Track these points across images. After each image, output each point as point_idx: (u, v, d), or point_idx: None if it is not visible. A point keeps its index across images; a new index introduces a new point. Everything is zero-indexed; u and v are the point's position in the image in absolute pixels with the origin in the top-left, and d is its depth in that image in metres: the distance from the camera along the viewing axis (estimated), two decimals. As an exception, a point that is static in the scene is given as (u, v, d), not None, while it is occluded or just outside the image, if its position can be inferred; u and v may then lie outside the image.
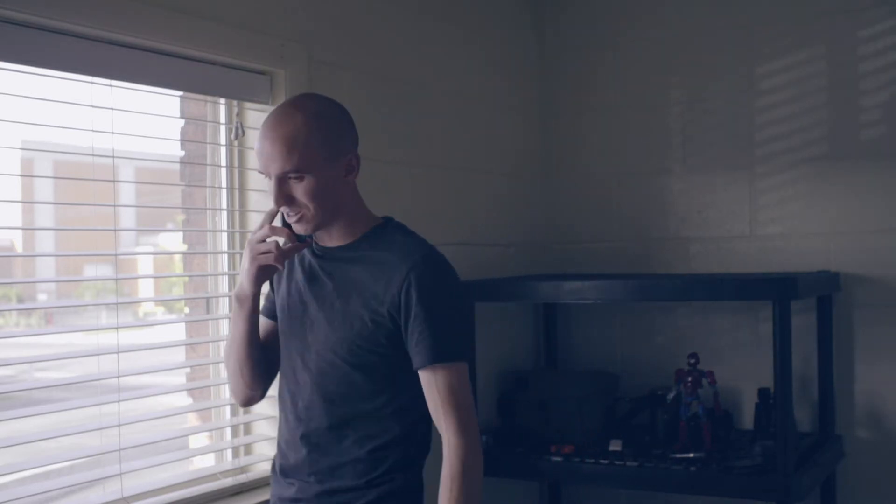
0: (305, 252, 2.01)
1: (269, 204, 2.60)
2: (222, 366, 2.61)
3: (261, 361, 2.04)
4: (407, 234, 2.01)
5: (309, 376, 1.95)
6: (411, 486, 1.99)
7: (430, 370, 1.87)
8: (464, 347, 1.92)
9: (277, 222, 1.96)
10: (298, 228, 1.92)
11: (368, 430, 1.92)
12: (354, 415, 1.92)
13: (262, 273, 1.93)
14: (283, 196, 1.87)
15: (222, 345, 2.62)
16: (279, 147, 1.84)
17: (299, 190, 1.87)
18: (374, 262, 1.93)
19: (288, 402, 2.00)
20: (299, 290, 1.99)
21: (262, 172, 1.90)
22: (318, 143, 1.87)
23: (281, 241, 1.93)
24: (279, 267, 1.92)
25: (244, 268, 1.94)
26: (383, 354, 1.90)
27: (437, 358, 1.86)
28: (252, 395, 2.09)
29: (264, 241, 1.92)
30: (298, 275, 2.01)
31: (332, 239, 1.98)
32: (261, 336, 2.05)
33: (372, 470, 1.92)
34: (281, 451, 2.04)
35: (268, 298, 2.09)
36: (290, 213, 1.90)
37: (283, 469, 2.02)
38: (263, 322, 2.07)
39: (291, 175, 1.85)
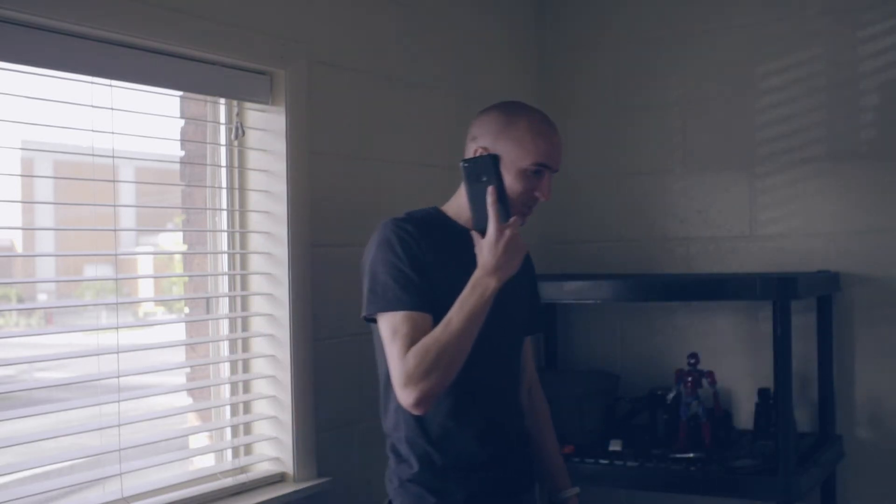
0: (455, 236, 2.09)
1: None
2: (222, 366, 2.61)
3: None
4: None
5: (499, 360, 2.13)
6: None
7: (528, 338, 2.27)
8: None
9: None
10: (521, 219, 2.03)
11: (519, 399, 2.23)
12: (518, 382, 2.24)
13: None
14: (550, 189, 2.06)
15: (222, 345, 2.63)
16: (560, 144, 2.07)
17: (549, 185, 2.06)
18: None
19: (477, 388, 2.06)
20: (466, 278, 1.95)
21: (541, 164, 2.03)
22: None
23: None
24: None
25: (519, 255, 1.95)
26: None
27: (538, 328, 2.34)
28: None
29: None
30: (456, 259, 2.00)
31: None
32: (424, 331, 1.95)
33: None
34: (463, 438, 2.05)
35: (419, 291, 1.97)
36: (533, 207, 2.07)
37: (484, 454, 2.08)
38: (427, 318, 1.96)
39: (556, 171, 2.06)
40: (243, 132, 2.61)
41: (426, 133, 3.21)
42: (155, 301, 2.77)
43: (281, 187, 2.60)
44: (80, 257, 2.46)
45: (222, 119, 2.62)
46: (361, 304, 2.03)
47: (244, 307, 2.66)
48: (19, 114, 2.10)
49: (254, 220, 2.65)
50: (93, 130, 2.22)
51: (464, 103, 3.42)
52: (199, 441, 2.67)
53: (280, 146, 2.60)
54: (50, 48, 2.09)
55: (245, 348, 2.66)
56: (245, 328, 2.67)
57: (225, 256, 2.63)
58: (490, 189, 1.96)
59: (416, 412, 1.95)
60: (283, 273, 2.60)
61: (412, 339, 1.92)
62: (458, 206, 2.15)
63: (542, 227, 3.82)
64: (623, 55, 3.70)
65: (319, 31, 2.76)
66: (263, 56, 2.56)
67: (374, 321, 2.03)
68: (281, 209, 2.60)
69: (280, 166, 2.60)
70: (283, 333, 2.61)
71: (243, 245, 2.66)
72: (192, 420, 2.70)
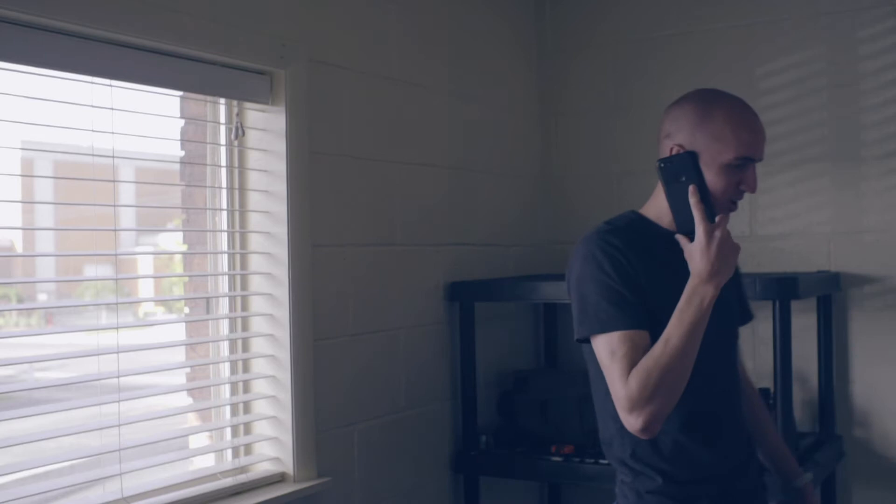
0: (660, 240, 1.95)
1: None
2: (222, 366, 2.62)
3: None
4: None
5: (724, 364, 2.02)
6: None
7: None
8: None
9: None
10: (728, 215, 1.92)
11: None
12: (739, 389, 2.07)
13: None
14: (755, 180, 1.92)
15: (222, 345, 2.63)
16: (763, 132, 1.91)
17: (755, 176, 1.92)
18: None
19: (712, 396, 1.95)
20: (679, 282, 1.86)
21: (744, 158, 1.88)
22: None
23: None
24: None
25: (733, 256, 1.86)
26: None
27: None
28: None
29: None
30: (666, 265, 1.90)
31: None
32: (644, 349, 1.83)
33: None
34: (698, 451, 1.93)
35: (633, 308, 1.85)
36: (738, 201, 1.93)
37: (728, 466, 1.97)
38: (644, 335, 1.84)
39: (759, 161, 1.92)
40: (243, 132, 2.61)
41: (426, 133, 3.21)
42: (155, 301, 2.77)
43: (281, 187, 2.60)
44: (80, 257, 2.46)
45: (222, 119, 2.62)
46: (573, 325, 1.92)
47: (244, 307, 2.66)
48: (19, 114, 2.10)
49: (254, 220, 2.65)
50: (93, 130, 2.22)
51: (463, 103, 3.42)
52: (199, 441, 2.67)
53: (280, 146, 2.60)
54: (50, 48, 2.09)
55: (245, 348, 2.66)
56: (245, 328, 2.67)
57: (225, 256, 2.63)
58: (692, 189, 1.87)
59: (644, 437, 1.83)
60: (283, 273, 2.60)
61: (632, 361, 1.80)
62: (657, 207, 2.00)
63: (543, 227, 3.82)
64: (623, 55, 3.70)
65: (319, 31, 2.76)
66: (263, 56, 2.56)
67: (587, 341, 1.91)
68: (281, 209, 2.60)
69: (280, 166, 2.60)
70: (283, 333, 2.61)
71: (243, 245, 2.66)
72: (192, 420, 2.70)
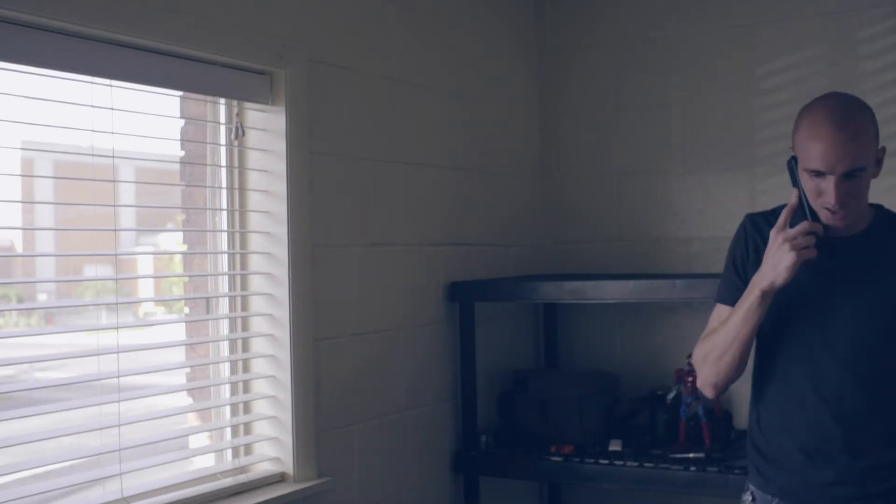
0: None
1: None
2: (222, 366, 2.62)
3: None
4: None
5: (838, 361, 2.02)
6: None
7: None
8: None
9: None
10: (834, 222, 1.98)
11: (894, 406, 2.03)
12: (884, 391, 2.02)
13: (799, 265, 1.97)
14: (843, 193, 1.94)
15: (222, 345, 2.63)
16: (849, 145, 1.91)
17: (855, 187, 1.96)
18: (891, 244, 2.05)
19: (805, 387, 2.05)
20: (813, 281, 2.02)
21: (812, 169, 1.95)
22: (876, 141, 1.98)
23: (817, 233, 1.99)
24: (814, 257, 1.97)
25: (782, 263, 1.96)
26: None
27: None
28: (734, 381, 2.13)
29: (800, 236, 1.96)
30: (807, 265, 2.01)
31: (847, 229, 2.03)
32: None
33: None
34: (785, 435, 2.08)
35: (729, 285, 2.14)
36: (838, 210, 1.96)
37: (803, 453, 2.05)
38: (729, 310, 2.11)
39: (854, 173, 1.94)
40: (243, 132, 2.61)
41: (426, 133, 3.21)
42: (155, 301, 2.77)
43: (281, 187, 2.60)
44: (80, 257, 2.46)
45: (222, 119, 2.62)
46: None
47: (244, 307, 2.66)
48: (19, 114, 2.10)
49: (254, 220, 2.65)
50: (93, 130, 2.22)
51: (463, 103, 3.42)
52: (199, 441, 2.67)
53: (280, 146, 2.60)
54: (50, 48, 2.09)
55: (245, 348, 2.66)
56: (245, 328, 2.67)
57: (225, 256, 2.63)
58: (794, 192, 2.03)
59: (707, 395, 2.17)
60: (283, 273, 2.60)
61: (711, 329, 2.13)
62: None
63: (543, 227, 3.82)
64: (623, 55, 3.70)
65: (319, 31, 2.76)
66: (263, 56, 2.56)
67: None
68: (281, 209, 2.60)
69: (280, 166, 2.60)
70: (283, 333, 2.61)
71: (243, 245, 2.66)
72: (192, 420, 2.70)
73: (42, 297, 2.73)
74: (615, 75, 3.72)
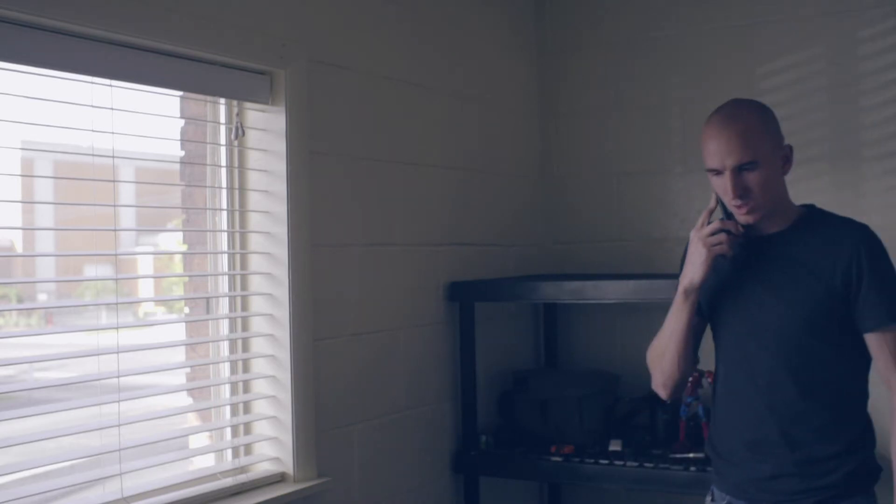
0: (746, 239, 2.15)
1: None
2: (222, 366, 2.61)
3: (693, 351, 2.22)
4: (839, 216, 2.17)
5: (767, 353, 2.09)
6: (873, 452, 2.12)
7: (881, 331, 2.03)
8: None
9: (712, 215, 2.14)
10: (745, 218, 2.08)
11: (831, 397, 2.07)
12: (818, 382, 2.07)
13: (713, 263, 2.09)
14: (739, 187, 2.03)
15: (222, 345, 2.63)
16: (735, 141, 2.02)
17: (752, 180, 2.03)
18: (817, 240, 2.09)
19: (742, 381, 2.13)
20: (737, 278, 2.14)
21: (711, 169, 2.07)
22: (768, 136, 2.06)
23: (732, 233, 2.09)
24: (729, 254, 2.08)
25: (697, 260, 2.10)
26: (837, 322, 2.05)
27: (890, 318, 2.02)
28: (682, 383, 2.25)
29: (714, 234, 2.08)
30: (728, 264, 2.14)
31: (769, 227, 2.13)
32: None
33: (839, 435, 2.06)
34: (731, 430, 2.16)
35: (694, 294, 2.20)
36: (741, 204, 2.05)
37: (746, 447, 2.12)
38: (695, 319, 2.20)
39: (747, 166, 2.02)
40: (243, 132, 2.61)
41: (426, 133, 3.21)
42: (155, 301, 2.77)
43: (281, 187, 2.60)
44: (80, 257, 2.46)
45: (222, 119, 2.62)
46: None
47: (244, 307, 2.66)
48: (19, 114, 2.10)
49: (254, 220, 2.65)
50: (93, 130, 2.22)
51: (463, 103, 3.42)
52: (199, 441, 2.67)
53: (280, 146, 2.60)
54: (50, 48, 2.09)
55: (245, 348, 2.66)
56: (245, 328, 2.67)
57: (225, 256, 2.63)
58: (713, 195, 2.13)
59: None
60: (283, 273, 2.60)
61: None
62: None
63: (543, 227, 3.82)
64: (623, 55, 3.70)
65: (319, 31, 2.76)
66: (263, 56, 2.56)
67: None
68: (281, 209, 2.60)
69: (280, 166, 2.60)
70: (283, 333, 2.61)
71: (243, 245, 2.66)
72: (192, 420, 2.70)
73: (42, 297, 2.73)
74: (615, 75, 3.72)
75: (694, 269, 2.10)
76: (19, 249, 2.43)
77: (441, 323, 3.23)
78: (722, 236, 2.07)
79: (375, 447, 2.92)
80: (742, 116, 2.06)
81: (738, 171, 2.03)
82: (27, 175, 2.28)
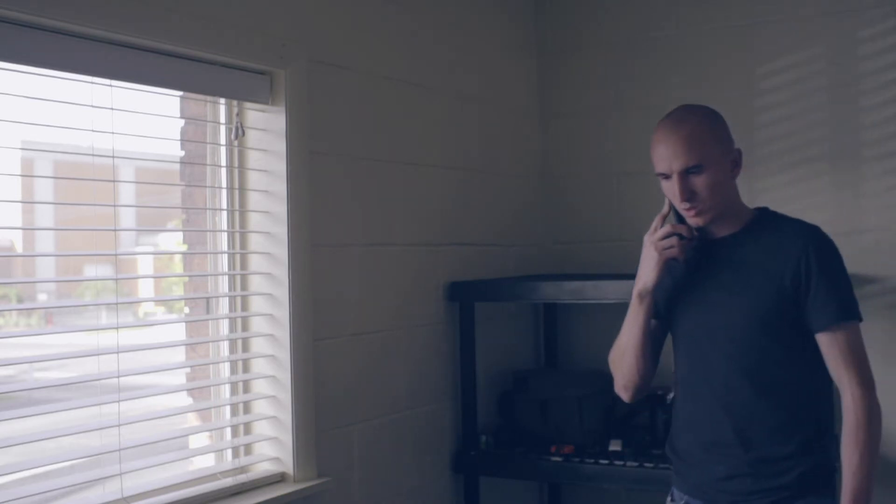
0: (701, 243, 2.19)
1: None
2: (222, 366, 2.61)
3: (652, 354, 2.25)
4: (790, 218, 2.21)
5: (721, 354, 2.12)
6: (829, 453, 2.12)
7: (831, 330, 2.05)
8: (857, 308, 2.09)
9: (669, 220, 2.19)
10: (695, 221, 2.11)
11: (785, 398, 2.09)
12: (771, 382, 2.09)
13: (665, 266, 2.14)
14: (686, 190, 2.07)
15: (222, 345, 2.63)
16: (680, 145, 2.06)
17: (698, 184, 2.07)
18: (767, 242, 2.12)
19: (699, 382, 2.16)
20: (692, 281, 2.18)
21: (660, 173, 2.11)
22: (714, 140, 2.09)
23: (683, 236, 2.13)
24: (681, 258, 2.12)
25: (649, 264, 2.14)
26: (788, 323, 2.07)
27: (840, 318, 2.04)
28: (643, 385, 2.27)
29: (665, 238, 2.12)
30: (683, 267, 2.18)
31: (720, 230, 2.16)
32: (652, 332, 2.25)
33: (794, 435, 2.07)
34: (688, 431, 2.19)
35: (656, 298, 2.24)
36: (689, 207, 2.09)
37: (702, 448, 2.15)
38: (653, 323, 2.26)
39: (693, 170, 2.05)
40: (243, 132, 2.61)
41: (426, 133, 3.21)
42: (155, 301, 2.77)
43: (281, 187, 2.60)
44: (80, 257, 2.46)
45: (222, 119, 2.62)
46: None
47: (244, 307, 2.66)
48: (19, 114, 2.10)
49: (254, 220, 2.65)
50: (93, 130, 2.22)
51: (463, 103, 3.42)
52: (199, 441, 2.67)
53: (280, 146, 2.60)
54: (50, 48, 2.09)
55: (245, 348, 2.66)
56: (245, 328, 2.67)
57: (225, 256, 2.63)
58: (666, 201, 2.17)
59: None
60: (283, 273, 2.60)
61: None
62: None
63: (543, 227, 3.82)
64: (623, 55, 3.70)
65: (319, 31, 2.76)
66: (263, 56, 2.56)
67: None
68: (281, 209, 2.60)
69: (280, 166, 2.60)
70: (283, 333, 2.61)
71: (243, 245, 2.66)
72: (192, 420, 2.70)
73: (42, 297, 2.73)
74: (615, 75, 3.72)
75: (647, 273, 2.15)
76: (19, 249, 2.43)
77: (441, 323, 3.23)
78: (673, 240, 2.12)
79: (375, 447, 2.92)
80: (688, 121, 2.09)
81: (685, 174, 2.07)
82: (27, 175, 2.28)
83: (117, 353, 2.24)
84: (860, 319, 2.09)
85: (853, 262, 3.29)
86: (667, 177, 2.10)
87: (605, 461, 3.02)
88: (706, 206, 2.08)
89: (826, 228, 3.30)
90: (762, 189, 3.45)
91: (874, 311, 3.27)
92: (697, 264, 2.17)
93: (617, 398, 3.39)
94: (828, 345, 2.06)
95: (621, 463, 2.99)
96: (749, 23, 3.48)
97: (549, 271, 3.78)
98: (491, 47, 3.60)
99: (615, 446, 3.09)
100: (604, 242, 3.74)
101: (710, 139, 2.08)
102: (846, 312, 2.06)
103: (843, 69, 3.33)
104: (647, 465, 2.95)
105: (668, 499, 2.28)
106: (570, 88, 3.81)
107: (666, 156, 2.08)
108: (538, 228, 3.81)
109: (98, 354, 2.25)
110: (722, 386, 2.11)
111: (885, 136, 3.28)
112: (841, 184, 3.32)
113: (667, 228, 2.13)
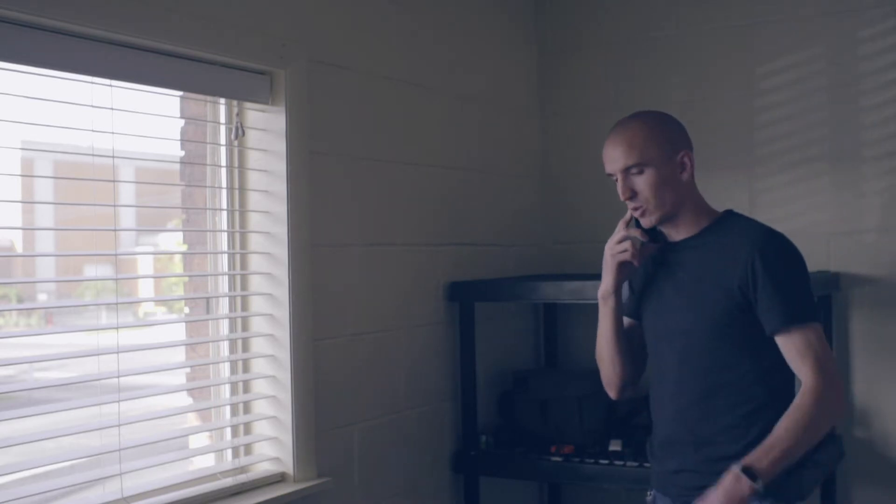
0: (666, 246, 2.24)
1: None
2: (222, 366, 2.62)
3: (629, 353, 2.29)
4: (747, 220, 2.24)
5: (675, 355, 2.18)
6: None
7: (784, 333, 2.06)
8: (812, 310, 2.10)
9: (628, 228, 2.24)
10: (645, 222, 2.17)
11: (737, 398, 2.11)
12: (721, 383, 2.12)
13: (621, 270, 2.21)
14: (627, 189, 2.14)
15: (222, 345, 2.63)
16: (621, 147, 2.13)
17: (639, 183, 2.13)
18: (720, 246, 2.15)
19: (659, 381, 2.25)
20: (656, 282, 2.24)
21: (609, 175, 2.19)
22: (656, 141, 2.13)
23: (637, 240, 2.18)
24: (635, 263, 2.18)
25: (605, 268, 2.23)
26: (740, 326, 2.09)
27: (787, 322, 2.05)
28: (624, 385, 2.32)
29: (620, 242, 2.19)
30: (651, 269, 2.26)
31: (678, 233, 2.22)
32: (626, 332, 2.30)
33: (746, 435, 2.08)
34: (655, 427, 2.29)
35: (630, 299, 2.32)
36: (633, 207, 2.16)
37: (661, 444, 2.24)
38: (627, 321, 2.32)
39: (632, 169, 2.12)
40: (243, 132, 2.61)
41: (426, 133, 3.21)
42: (155, 301, 2.77)
43: (281, 187, 2.60)
44: (80, 257, 2.46)
45: (222, 119, 2.62)
46: None
47: (244, 307, 2.66)
48: (19, 114, 2.10)
49: (254, 220, 2.65)
50: (93, 130, 2.22)
51: (463, 103, 3.42)
52: (199, 441, 2.67)
53: (280, 146, 2.60)
54: (50, 48, 2.09)
55: (245, 348, 2.66)
56: (245, 328, 2.67)
57: (225, 256, 2.63)
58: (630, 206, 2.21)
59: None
60: (283, 273, 2.60)
61: None
62: None
63: (543, 227, 3.82)
64: (623, 55, 3.70)
65: (319, 31, 2.76)
66: (263, 56, 2.56)
67: None
68: (281, 209, 2.60)
69: (280, 166, 2.60)
70: (283, 333, 2.61)
71: (243, 245, 2.66)
72: (192, 420, 2.70)
73: (42, 297, 2.74)
74: (615, 75, 3.72)
75: (604, 277, 2.24)
76: (19, 249, 2.43)
77: (441, 323, 3.23)
78: (627, 244, 2.18)
79: (375, 447, 2.92)
80: (631, 125, 2.17)
81: (626, 173, 2.14)
82: (27, 175, 2.28)
83: (117, 353, 2.24)
84: (816, 321, 2.08)
85: (853, 262, 3.32)
86: (611, 176, 2.19)
87: (605, 461, 3.02)
88: (650, 205, 2.14)
89: (826, 228, 3.34)
90: (762, 189, 3.45)
91: (874, 311, 3.28)
92: (657, 268, 2.24)
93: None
94: (783, 346, 2.08)
95: (621, 463, 2.99)
96: (749, 23, 3.48)
97: (549, 271, 3.78)
98: (491, 47, 3.60)
99: (615, 446, 3.09)
100: (604, 242, 3.69)
101: (652, 141, 2.13)
102: (794, 317, 2.06)
103: (843, 69, 3.33)
104: (646, 465, 2.93)
105: (648, 492, 2.36)
106: (570, 88, 3.81)
107: (608, 157, 2.17)
108: (538, 228, 3.81)
109: (98, 354, 2.25)
110: (676, 385, 2.18)
111: (885, 136, 3.28)
112: (841, 184, 3.33)
113: (621, 234, 2.21)
